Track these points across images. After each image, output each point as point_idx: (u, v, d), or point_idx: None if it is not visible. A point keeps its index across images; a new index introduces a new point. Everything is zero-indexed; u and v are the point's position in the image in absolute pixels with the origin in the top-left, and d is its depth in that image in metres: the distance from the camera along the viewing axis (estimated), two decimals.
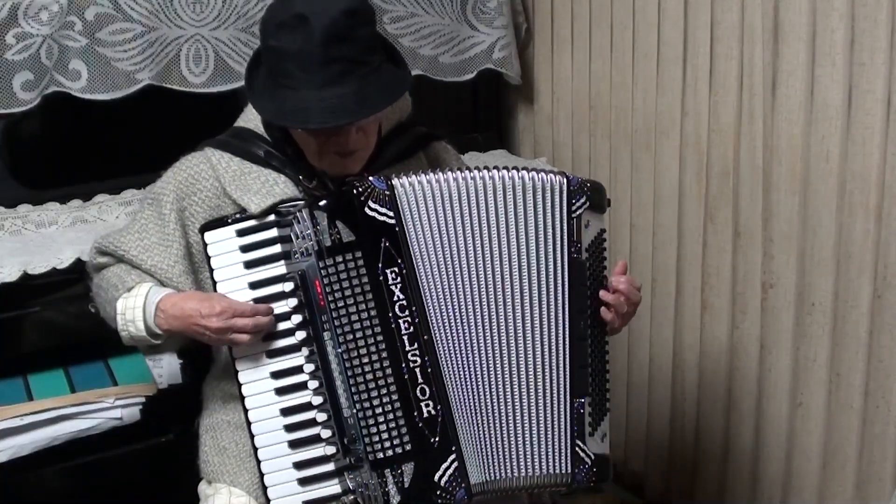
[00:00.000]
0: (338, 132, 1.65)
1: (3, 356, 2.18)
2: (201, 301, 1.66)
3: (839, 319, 2.16)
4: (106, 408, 2.16)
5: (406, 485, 1.62)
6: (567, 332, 1.70)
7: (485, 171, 1.68)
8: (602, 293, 1.72)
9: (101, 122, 2.40)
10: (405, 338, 1.64)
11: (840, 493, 2.23)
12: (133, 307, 1.70)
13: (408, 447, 1.63)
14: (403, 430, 1.63)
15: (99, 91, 2.30)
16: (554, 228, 1.70)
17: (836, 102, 2.06)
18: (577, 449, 1.70)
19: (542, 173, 1.70)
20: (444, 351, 1.66)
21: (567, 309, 1.70)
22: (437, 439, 1.64)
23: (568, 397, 1.70)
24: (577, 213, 1.71)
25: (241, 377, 1.68)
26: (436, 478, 1.63)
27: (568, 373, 1.70)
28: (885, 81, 1.97)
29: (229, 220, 1.70)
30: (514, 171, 1.69)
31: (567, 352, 1.70)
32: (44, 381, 2.22)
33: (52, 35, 2.23)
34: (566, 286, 1.70)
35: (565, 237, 1.70)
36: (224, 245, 1.69)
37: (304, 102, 1.60)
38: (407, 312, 1.64)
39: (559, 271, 1.70)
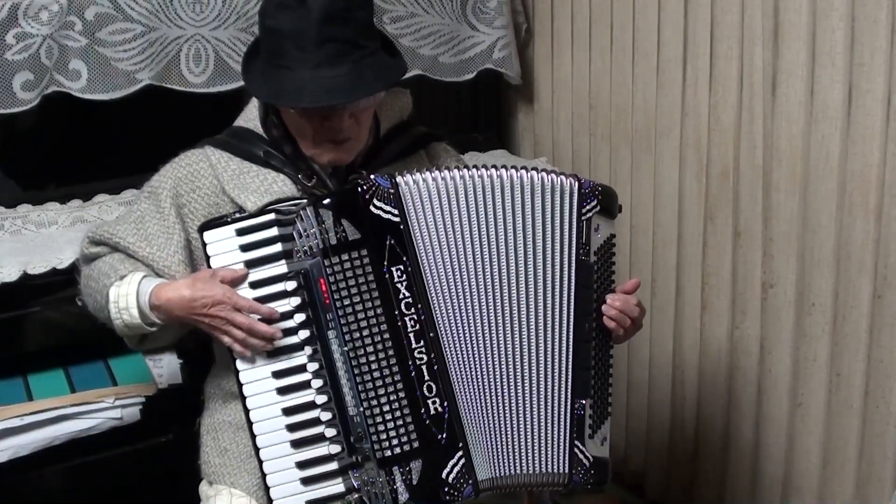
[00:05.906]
0: (331, 116, 1.65)
1: (3, 356, 2.18)
2: (201, 286, 1.64)
3: (839, 319, 2.16)
4: (106, 408, 2.16)
5: (414, 482, 1.62)
6: (571, 333, 1.70)
7: (493, 170, 1.68)
8: (605, 307, 1.72)
9: (101, 122, 2.40)
10: (411, 335, 1.64)
11: (840, 493, 2.23)
12: (126, 294, 1.68)
13: (415, 444, 1.63)
14: (411, 427, 1.63)
15: (99, 91, 2.30)
16: (563, 229, 1.70)
17: (836, 102, 2.06)
18: (575, 450, 1.70)
19: (553, 174, 1.70)
20: (450, 348, 1.66)
21: (573, 310, 1.70)
22: (444, 436, 1.64)
23: (569, 398, 1.70)
24: (588, 215, 1.71)
25: (242, 377, 1.68)
26: (443, 474, 1.63)
27: (570, 373, 1.70)
28: (885, 81, 1.97)
29: (229, 220, 1.69)
30: (525, 171, 1.69)
31: (570, 353, 1.70)
32: (44, 381, 2.22)
33: (52, 35, 2.23)
34: (573, 287, 1.70)
35: (574, 239, 1.70)
36: (224, 244, 1.68)
37: (299, 82, 1.60)
38: (413, 310, 1.64)
39: (566, 272, 1.70)
